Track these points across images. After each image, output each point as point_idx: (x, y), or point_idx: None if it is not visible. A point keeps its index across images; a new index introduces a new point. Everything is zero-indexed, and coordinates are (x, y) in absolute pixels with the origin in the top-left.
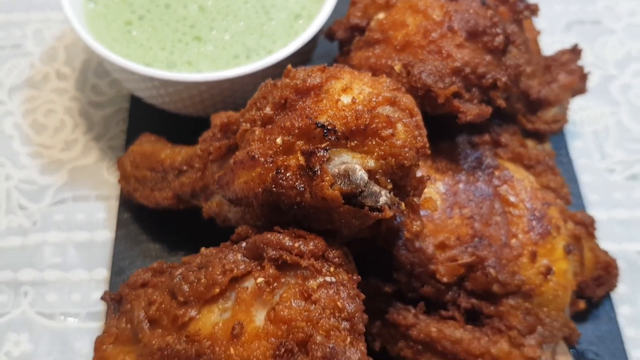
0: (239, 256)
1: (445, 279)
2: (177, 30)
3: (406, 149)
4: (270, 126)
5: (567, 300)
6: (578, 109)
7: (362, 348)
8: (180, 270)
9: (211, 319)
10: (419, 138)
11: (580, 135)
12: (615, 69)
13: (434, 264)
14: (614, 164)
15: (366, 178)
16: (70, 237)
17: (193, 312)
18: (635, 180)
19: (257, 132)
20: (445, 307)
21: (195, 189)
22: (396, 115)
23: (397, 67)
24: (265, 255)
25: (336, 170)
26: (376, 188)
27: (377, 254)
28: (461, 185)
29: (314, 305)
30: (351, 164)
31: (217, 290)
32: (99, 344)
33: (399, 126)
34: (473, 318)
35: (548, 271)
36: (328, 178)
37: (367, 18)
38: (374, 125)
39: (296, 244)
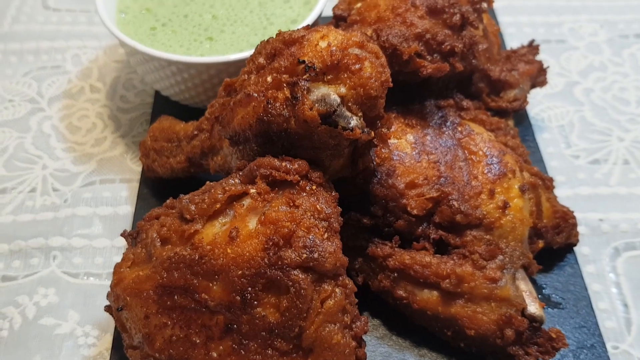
0: (237, 180)
1: (415, 212)
2: (193, 33)
3: (372, 80)
4: (262, 71)
5: (525, 233)
6: (546, 109)
7: (338, 242)
8: (188, 195)
9: (212, 231)
10: (383, 73)
11: (547, 129)
12: (579, 77)
13: (405, 198)
14: (579, 151)
15: (339, 100)
16: (96, 212)
17: (198, 226)
18: (597, 164)
19: (252, 78)
20: (417, 240)
21: (204, 149)
22: (364, 55)
23: (369, 32)
24: (258, 174)
25: (314, 97)
26: (348, 113)
27: (356, 192)
28: (429, 137)
29: (297, 209)
30: (327, 92)
31: (218, 206)
32: (117, 268)
33: (366, 63)
34: (442, 250)
35: (505, 205)
36: (308, 102)
37: (349, 10)
38: (345, 61)
39: (283, 164)
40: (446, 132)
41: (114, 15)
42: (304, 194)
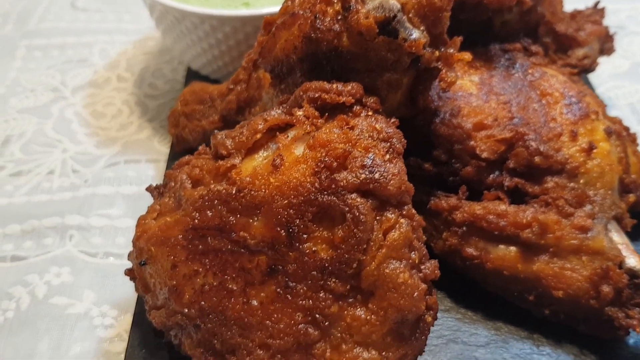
0: (279, 111)
1: (485, 155)
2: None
3: None
4: None
5: (615, 181)
6: (613, 87)
7: (401, 165)
8: (223, 132)
9: (252, 164)
10: None
11: (617, 106)
12: None
13: (474, 140)
14: None
15: (399, 5)
16: (119, 191)
17: (235, 160)
18: None
19: (296, 0)
20: (488, 190)
21: (240, 103)
22: None
23: None
24: (305, 98)
25: (370, 5)
26: (409, 24)
27: (416, 136)
28: (496, 79)
29: (352, 130)
30: None
31: (258, 136)
32: (140, 220)
33: None
34: (517, 201)
35: (591, 148)
36: (363, 11)
37: None
38: None
39: (334, 85)
40: (515, 75)
41: None
42: (360, 116)
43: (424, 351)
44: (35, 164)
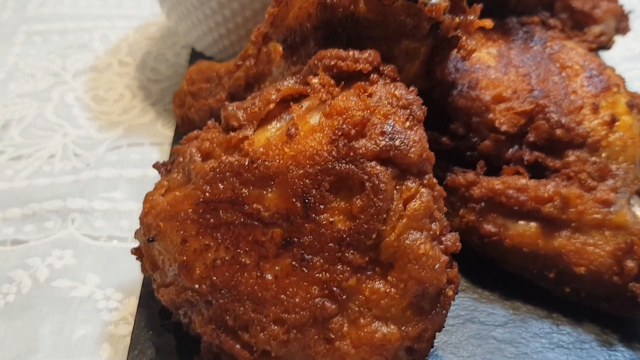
0: (293, 81)
1: (504, 128)
2: None
3: None
4: None
5: (637, 154)
6: (626, 70)
7: (422, 132)
8: (234, 103)
9: (265, 135)
10: None
11: (630, 88)
12: None
13: (492, 113)
14: None
15: None
16: (122, 174)
17: (248, 132)
18: None
19: None
20: (508, 165)
21: (249, 79)
22: None
23: None
24: (320, 66)
25: None
26: None
27: (433, 107)
28: (514, 52)
29: (370, 98)
30: None
31: (272, 106)
32: (148, 196)
33: None
34: (537, 176)
35: (613, 120)
36: None
37: None
38: None
39: (351, 53)
40: (534, 48)
41: None
42: (378, 84)
43: (443, 327)
44: (36, 148)
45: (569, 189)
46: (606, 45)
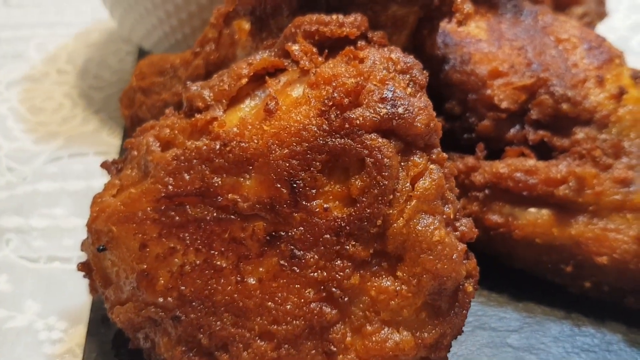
0: (266, 53)
1: (505, 105)
2: None
3: None
4: None
5: None
6: None
7: (427, 100)
8: (198, 83)
9: (238, 115)
10: None
11: None
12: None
13: (490, 89)
14: None
15: None
16: (64, 187)
17: (217, 112)
18: None
19: None
20: (510, 147)
21: (209, 68)
22: None
23: None
24: (299, 33)
25: None
26: None
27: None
28: (505, 25)
29: (362, 63)
30: None
31: (244, 81)
32: (96, 198)
33: None
34: (543, 158)
35: (621, 93)
36: None
37: None
38: None
39: (334, 17)
40: (525, 21)
41: None
42: (370, 48)
43: (462, 331)
44: None
45: (583, 168)
46: (590, 27)
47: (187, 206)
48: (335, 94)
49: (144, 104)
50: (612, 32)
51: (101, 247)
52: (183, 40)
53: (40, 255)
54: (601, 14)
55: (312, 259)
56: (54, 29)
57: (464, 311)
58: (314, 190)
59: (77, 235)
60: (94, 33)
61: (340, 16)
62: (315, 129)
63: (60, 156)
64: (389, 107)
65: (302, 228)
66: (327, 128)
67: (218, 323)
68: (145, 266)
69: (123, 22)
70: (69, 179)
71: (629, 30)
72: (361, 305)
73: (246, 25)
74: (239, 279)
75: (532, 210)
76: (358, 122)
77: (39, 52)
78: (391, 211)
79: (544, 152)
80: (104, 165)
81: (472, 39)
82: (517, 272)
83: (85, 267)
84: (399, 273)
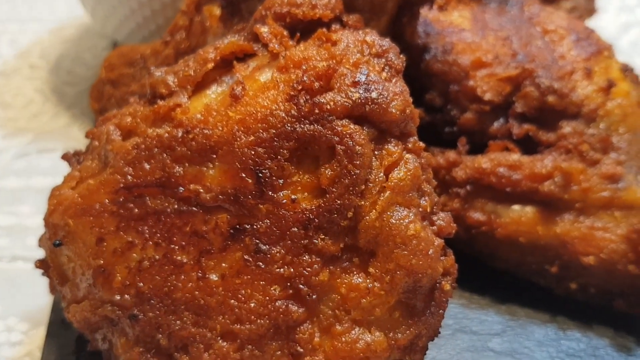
0: (235, 37)
1: (488, 96)
2: None
3: None
4: None
5: (639, 124)
6: None
7: (403, 85)
8: (161, 68)
9: (203, 101)
10: None
11: None
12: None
13: (473, 80)
14: None
15: None
16: (30, 184)
17: (180, 99)
18: None
19: None
20: (493, 140)
21: (179, 57)
22: None
23: None
24: (269, 15)
25: None
26: None
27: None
28: (489, 14)
29: (334, 46)
30: None
31: (210, 66)
32: (54, 191)
33: None
34: (529, 152)
35: (609, 86)
36: None
37: None
38: None
39: None
40: (510, 12)
41: None
42: (344, 31)
43: (439, 333)
44: None
45: (569, 163)
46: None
47: (147, 198)
48: (305, 78)
49: (112, 97)
50: (602, 31)
51: (57, 242)
52: (157, 31)
53: (3, 255)
54: (590, 10)
55: (278, 254)
56: (25, 24)
57: (440, 311)
58: (281, 180)
59: (41, 233)
60: (69, 29)
61: None
62: (283, 115)
63: (27, 152)
64: (361, 92)
65: (268, 221)
66: (295, 114)
67: (178, 322)
68: (102, 262)
69: (95, 12)
70: (35, 175)
71: (618, 30)
72: (330, 304)
73: (217, 11)
74: (200, 275)
75: (516, 207)
76: (329, 107)
77: (12, 48)
78: (363, 203)
79: (529, 146)
80: (65, 156)
81: (455, 28)
82: (500, 273)
83: (43, 264)
84: (371, 269)
